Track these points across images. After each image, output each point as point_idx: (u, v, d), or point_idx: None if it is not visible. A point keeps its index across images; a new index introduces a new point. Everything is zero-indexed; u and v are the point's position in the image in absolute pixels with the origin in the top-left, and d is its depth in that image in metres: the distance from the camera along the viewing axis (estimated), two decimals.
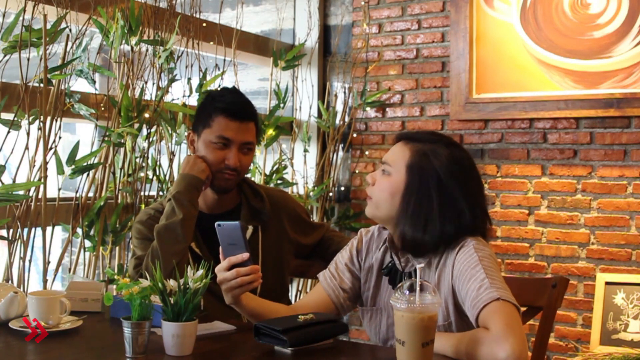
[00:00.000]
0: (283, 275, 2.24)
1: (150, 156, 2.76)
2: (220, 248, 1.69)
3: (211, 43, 3.15)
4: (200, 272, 1.58)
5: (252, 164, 3.26)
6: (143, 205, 2.69)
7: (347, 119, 3.74)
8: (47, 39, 2.33)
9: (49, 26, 2.33)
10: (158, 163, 2.79)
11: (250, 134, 2.12)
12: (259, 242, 2.15)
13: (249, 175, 3.24)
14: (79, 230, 2.54)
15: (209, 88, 2.94)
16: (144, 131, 2.71)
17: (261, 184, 3.23)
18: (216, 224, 1.68)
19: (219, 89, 2.46)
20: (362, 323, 1.93)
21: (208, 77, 2.98)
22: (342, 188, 3.79)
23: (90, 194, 2.59)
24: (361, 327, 3.42)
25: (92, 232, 2.56)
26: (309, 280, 3.47)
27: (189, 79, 2.94)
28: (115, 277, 1.62)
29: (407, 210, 1.67)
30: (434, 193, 1.66)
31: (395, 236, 1.73)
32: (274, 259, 2.18)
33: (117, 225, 2.60)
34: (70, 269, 2.60)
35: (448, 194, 1.66)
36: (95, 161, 2.54)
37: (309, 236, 2.32)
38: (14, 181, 2.27)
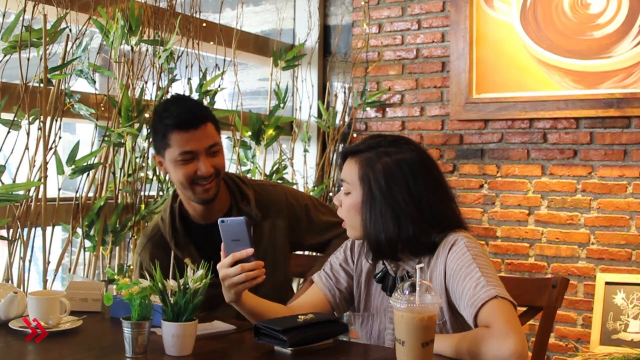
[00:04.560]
0: (279, 277, 2.19)
1: (150, 156, 2.76)
2: (223, 245, 1.69)
3: (211, 43, 3.15)
4: (200, 272, 1.58)
5: (252, 164, 3.27)
6: (143, 205, 2.70)
7: (347, 119, 3.74)
8: (47, 39, 2.33)
9: (49, 26, 2.33)
10: None
11: (210, 135, 2.01)
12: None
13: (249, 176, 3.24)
14: (79, 230, 2.54)
15: (208, 88, 2.95)
16: (144, 131, 2.71)
17: (260, 179, 3.20)
18: (219, 220, 1.68)
19: (163, 101, 2.28)
20: None
21: (208, 77, 2.98)
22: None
23: (90, 194, 2.59)
24: None
25: (92, 232, 2.56)
26: None
27: (189, 79, 2.94)
28: (115, 277, 1.62)
29: (367, 218, 1.69)
30: (380, 195, 1.66)
31: (366, 245, 1.74)
32: (268, 260, 2.14)
33: (117, 225, 2.60)
34: (70, 269, 2.60)
35: (395, 192, 1.66)
36: (95, 161, 2.54)
37: (313, 236, 2.24)
38: (14, 181, 2.27)
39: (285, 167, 3.39)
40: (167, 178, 2.82)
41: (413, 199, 1.66)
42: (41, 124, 2.34)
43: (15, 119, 2.26)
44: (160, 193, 2.81)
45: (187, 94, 2.91)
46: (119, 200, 2.65)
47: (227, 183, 2.17)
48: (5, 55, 2.27)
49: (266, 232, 2.17)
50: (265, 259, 2.12)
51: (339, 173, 1.80)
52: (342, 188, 1.75)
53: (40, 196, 2.37)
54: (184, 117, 1.98)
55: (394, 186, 1.66)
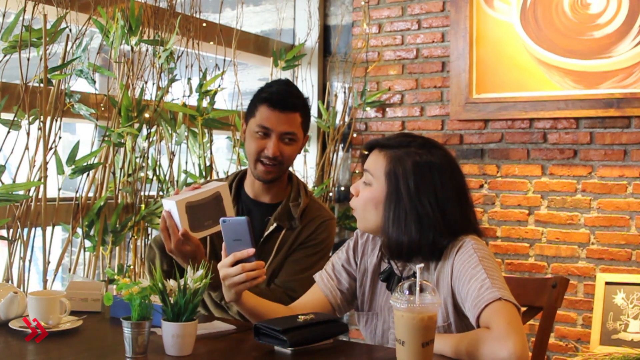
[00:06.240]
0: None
1: (150, 156, 2.76)
2: (224, 244, 1.69)
3: (211, 43, 3.16)
4: (200, 272, 1.58)
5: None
6: (143, 205, 2.70)
7: (347, 119, 3.74)
8: (47, 39, 2.33)
9: (49, 26, 2.33)
10: (158, 163, 2.79)
11: (292, 124, 2.12)
12: (277, 241, 2.14)
13: None
14: (79, 230, 2.54)
15: (208, 88, 2.95)
16: (144, 131, 2.71)
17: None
18: (221, 219, 1.68)
19: (275, 80, 2.41)
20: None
21: (208, 77, 2.98)
22: (342, 188, 3.79)
23: (90, 194, 2.59)
24: None
25: (92, 232, 2.56)
26: None
27: (189, 79, 2.94)
28: (115, 277, 1.62)
29: (389, 216, 1.68)
30: (407, 196, 1.66)
31: (384, 243, 1.73)
32: (282, 264, 2.15)
33: (117, 225, 2.60)
34: (70, 269, 2.60)
35: (422, 196, 1.66)
36: (95, 161, 2.54)
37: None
38: (14, 181, 2.27)
39: None
40: (167, 178, 2.83)
41: (439, 205, 1.66)
42: (41, 124, 2.34)
43: (15, 119, 2.26)
44: (160, 193, 2.81)
45: (187, 94, 2.92)
46: (119, 200, 2.65)
47: (292, 184, 2.24)
48: (5, 55, 2.27)
49: (295, 239, 2.17)
50: (282, 259, 2.13)
51: (362, 163, 1.78)
52: (343, 189, 1.75)
53: (40, 196, 2.37)
54: (277, 97, 2.11)
55: (422, 189, 1.66)
